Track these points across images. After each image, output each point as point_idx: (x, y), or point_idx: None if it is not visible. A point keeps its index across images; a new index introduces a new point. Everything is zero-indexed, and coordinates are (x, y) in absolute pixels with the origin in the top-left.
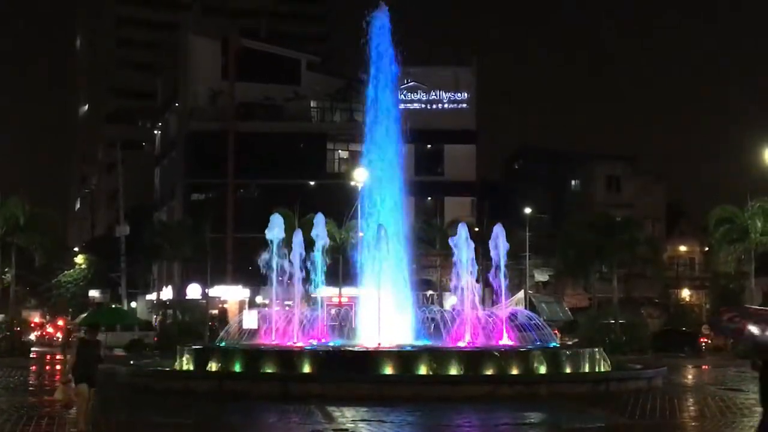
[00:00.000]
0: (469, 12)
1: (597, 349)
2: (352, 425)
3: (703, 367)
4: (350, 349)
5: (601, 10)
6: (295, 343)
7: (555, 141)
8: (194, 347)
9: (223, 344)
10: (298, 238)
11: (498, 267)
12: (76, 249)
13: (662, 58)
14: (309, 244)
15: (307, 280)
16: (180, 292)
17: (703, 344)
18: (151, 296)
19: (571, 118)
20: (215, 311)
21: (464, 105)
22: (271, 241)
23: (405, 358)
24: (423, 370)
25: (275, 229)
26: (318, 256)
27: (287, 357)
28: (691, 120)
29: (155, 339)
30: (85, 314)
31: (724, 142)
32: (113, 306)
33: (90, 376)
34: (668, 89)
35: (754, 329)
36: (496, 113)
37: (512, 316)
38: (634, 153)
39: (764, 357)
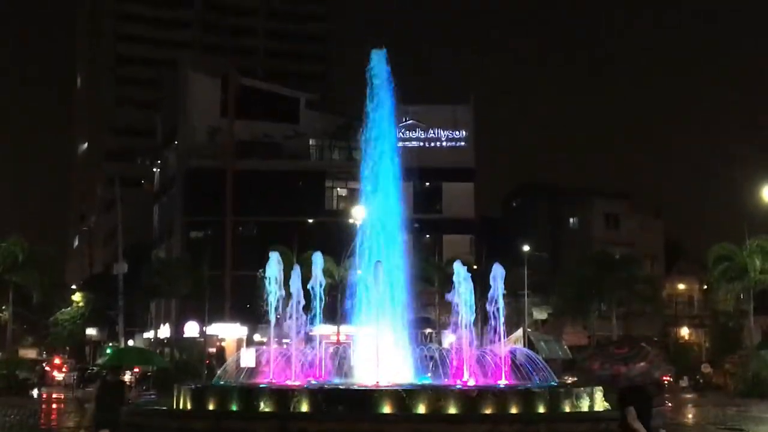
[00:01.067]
0: (469, 12)
1: (596, 388)
2: None
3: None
4: (348, 387)
5: (601, 10)
6: (293, 381)
7: (554, 156)
8: (191, 386)
9: (220, 383)
10: (296, 275)
11: (496, 306)
12: (73, 287)
13: (662, 57)
14: (307, 281)
15: (305, 318)
16: (178, 330)
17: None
18: (149, 334)
19: (571, 118)
20: (213, 349)
21: (462, 143)
22: (269, 279)
23: (404, 396)
24: (422, 409)
25: (273, 266)
26: (316, 294)
27: (285, 395)
28: (692, 122)
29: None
30: (107, 355)
31: (728, 171)
32: (137, 347)
33: (112, 420)
34: (667, 90)
35: (624, 369)
36: (496, 119)
37: (511, 355)
38: (633, 188)
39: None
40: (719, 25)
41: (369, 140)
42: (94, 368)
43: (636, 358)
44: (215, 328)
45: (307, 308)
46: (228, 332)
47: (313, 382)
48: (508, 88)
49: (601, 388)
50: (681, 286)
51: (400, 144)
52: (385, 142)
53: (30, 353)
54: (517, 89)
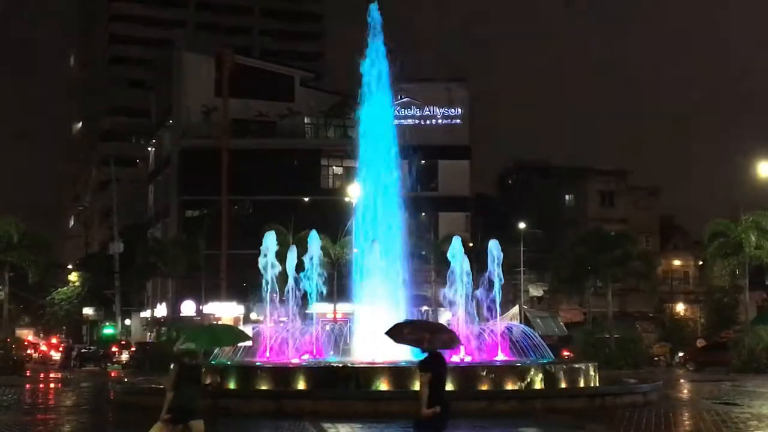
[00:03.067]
0: (469, 12)
1: (592, 364)
2: None
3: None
4: (344, 365)
5: (601, 11)
6: (289, 359)
7: (549, 136)
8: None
9: (216, 361)
10: (292, 254)
11: (492, 282)
12: (69, 266)
13: (661, 57)
14: (303, 260)
15: (301, 296)
16: (174, 309)
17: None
18: (146, 313)
19: (569, 118)
20: None
21: (458, 120)
22: (265, 257)
23: (399, 373)
24: (418, 386)
25: (269, 245)
26: (312, 272)
27: (281, 374)
28: (690, 122)
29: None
30: (184, 335)
31: (722, 148)
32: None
33: (193, 408)
34: (665, 92)
35: (428, 336)
36: (495, 114)
37: (508, 331)
38: (628, 166)
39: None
40: (719, 25)
41: (364, 116)
42: (91, 348)
43: (440, 332)
44: (212, 307)
45: (303, 287)
46: (225, 311)
47: (309, 360)
48: (507, 79)
49: (595, 363)
50: (676, 262)
51: (396, 122)
52: (380, 118)
53: (27, 333)
54: (515, 80)
